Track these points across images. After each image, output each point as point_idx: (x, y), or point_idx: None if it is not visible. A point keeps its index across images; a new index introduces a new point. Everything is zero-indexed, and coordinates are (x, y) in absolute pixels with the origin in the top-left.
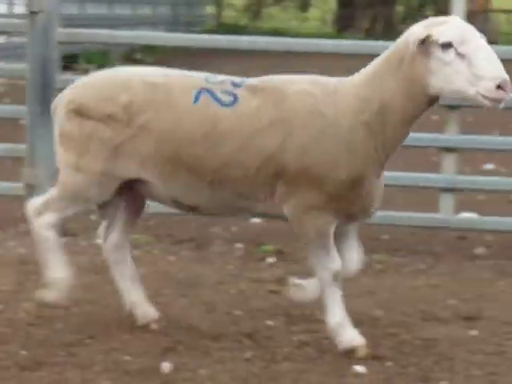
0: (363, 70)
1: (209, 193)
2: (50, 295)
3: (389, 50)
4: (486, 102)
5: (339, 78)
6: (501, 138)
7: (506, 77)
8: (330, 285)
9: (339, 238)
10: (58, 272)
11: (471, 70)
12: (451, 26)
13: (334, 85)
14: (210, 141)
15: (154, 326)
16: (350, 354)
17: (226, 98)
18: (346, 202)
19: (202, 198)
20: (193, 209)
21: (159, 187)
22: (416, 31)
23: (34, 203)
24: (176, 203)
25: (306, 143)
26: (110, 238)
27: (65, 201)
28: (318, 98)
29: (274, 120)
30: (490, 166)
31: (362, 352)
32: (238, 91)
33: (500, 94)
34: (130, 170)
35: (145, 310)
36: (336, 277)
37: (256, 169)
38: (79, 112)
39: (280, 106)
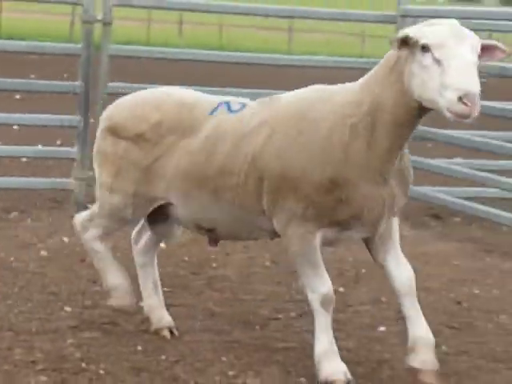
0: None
1: (217, 208)
2: (115, 302)
3: (388, 53)
4: (449, 116)
5: (343, 85)
6: None
7: (472, 90)
8: (318, 310)
9: (383, 256)
10: (115, 279)
11: (441, 79)
12: (436, 29)
13: (333, 91)
14: (209, 145)
15: (165, 333)
16: None
17: (236, 107)
18: (327, 208)
19: (215, 216)
20: (211, 231)
21: (181, 210)
22: (404, 32)
23: (79, 218)
24: (197, 227)
25: (283, 144)
26: (140, 242)
27: (104, 219)
28: (307, 103)
29: (261, 122)
30: None
31: None
32: (250, 103)
33: (461, 108)
34: (159, 192)
35: (160, 315)
36: (325, 302)
37: (244, 175)
38: (114, 131)
39: (269, 108)
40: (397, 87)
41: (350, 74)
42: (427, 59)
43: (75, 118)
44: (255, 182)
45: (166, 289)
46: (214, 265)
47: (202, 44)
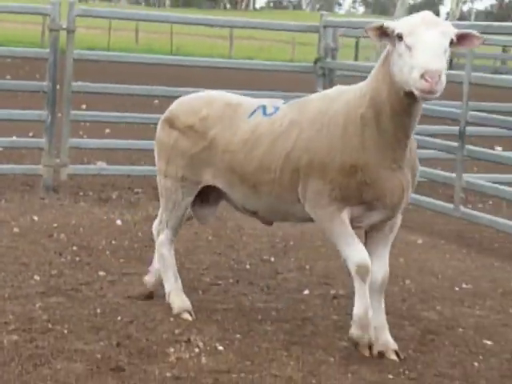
0: None
1: (257, 197)
2: (176, 306)
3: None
4: (417, 93)
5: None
6: None
7: (432, 67)
8: (354, 277)
9: (372, 246)
10: (171, 285)
11: (410, 62)
12: (407, 18)
13: (348, 89)
14: (248, 146)
15: None
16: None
17: (270, 110)
18: (352, 189)
19: (256, 203)
20: (255, 214)
21: (229, 195)
22: (379, 22)
23: (154, 225)
24: (244, 209)
25: (310, 138)
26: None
27: (165, 209)
28: (328, 100)
29: (292, 122)
30: None
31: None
32: (282, 106)
33: (422, 84)
34: (206, 177)
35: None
36: (360, 271)
37: (280, 170)
38: (171, 122)
39: (298, 109)
40: (387, 79)
41: (282, 76)
42: (401, 47)
43: (44, 113)
44: (290, 175)
45: (122, 260)
46: None
47: (155, 49)
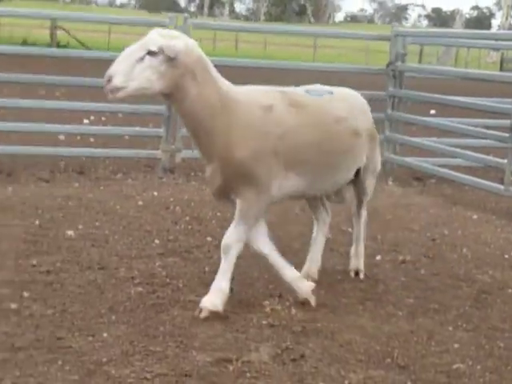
0: None
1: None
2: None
3: None
4: None
5: None
6: None
7: (107, 73)
8: None
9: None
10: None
11: None
12: None
13: None
14: None
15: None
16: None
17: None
18: None
19: None
20: None
21: None
22: None
23: None
24: None
25: None
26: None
27: None
28: None
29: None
30: None
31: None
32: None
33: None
34: None
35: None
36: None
37: None
38: None
39: None
40: None
41: (357, 77)
42: None
43: (162, 108)
44: None
45: (225, 228)
46: None
47: (251, 56)
